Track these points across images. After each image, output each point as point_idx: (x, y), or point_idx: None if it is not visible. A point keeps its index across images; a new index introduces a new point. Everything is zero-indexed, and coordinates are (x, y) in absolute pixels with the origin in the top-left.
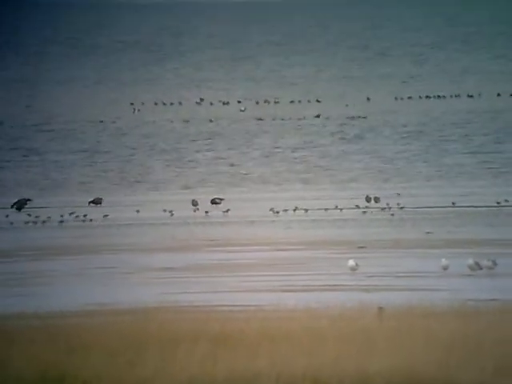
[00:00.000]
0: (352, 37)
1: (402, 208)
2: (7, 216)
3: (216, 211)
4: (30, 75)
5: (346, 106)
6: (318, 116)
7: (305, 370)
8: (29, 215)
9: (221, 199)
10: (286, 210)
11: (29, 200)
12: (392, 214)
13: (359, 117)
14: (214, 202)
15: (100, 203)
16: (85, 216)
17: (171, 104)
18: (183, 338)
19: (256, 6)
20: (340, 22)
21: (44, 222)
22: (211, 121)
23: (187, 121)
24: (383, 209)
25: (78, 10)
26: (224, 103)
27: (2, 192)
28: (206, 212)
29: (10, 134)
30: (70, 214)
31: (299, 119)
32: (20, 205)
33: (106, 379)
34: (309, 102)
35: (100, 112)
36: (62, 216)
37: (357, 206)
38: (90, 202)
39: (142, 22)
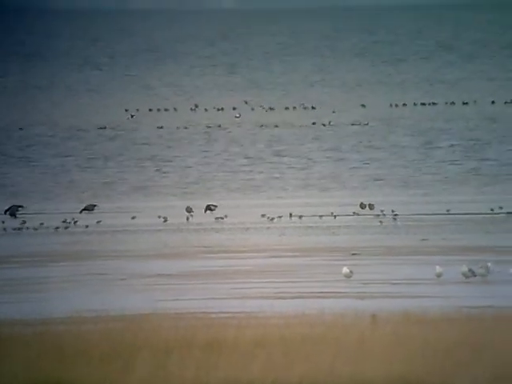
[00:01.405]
0: (352, 45)
1: (396, 215)
2: (3, 222)
3: (210, 218)
4: (34, 82)
5: (334, 112)
6: (314, 123)
7: (299, 378)
8: (24, 221)
9: (215, 206)
10: (280, 217)
11: (20, 206)
12: (386, 221)
13: (356, 124)
14: (208, 208)
15: (92, 210)
16: (75, 223)
17: (165, 110)
18: (176, 345)
19: (253, 13)
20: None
21: (36, 228)
22: (208, 127)
23: (186, 127)
24: (377, 215)
25: (72, 16)
26: (218, 109)
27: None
28: (200, 219)
29: (16, 139)
30: (64, 221)
31: (293, 126)
32: (12, 211)
33: None
34: (304, 108)
35: (96, 118)
36: (59, 222)
37: (352, 212)
38: (82, 210)
39: (137, 30)
